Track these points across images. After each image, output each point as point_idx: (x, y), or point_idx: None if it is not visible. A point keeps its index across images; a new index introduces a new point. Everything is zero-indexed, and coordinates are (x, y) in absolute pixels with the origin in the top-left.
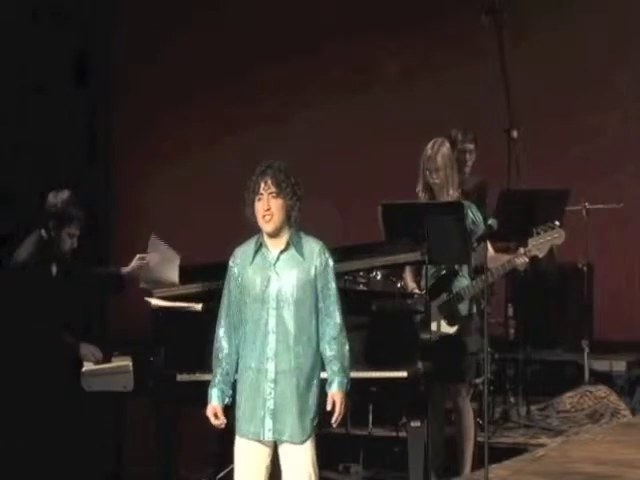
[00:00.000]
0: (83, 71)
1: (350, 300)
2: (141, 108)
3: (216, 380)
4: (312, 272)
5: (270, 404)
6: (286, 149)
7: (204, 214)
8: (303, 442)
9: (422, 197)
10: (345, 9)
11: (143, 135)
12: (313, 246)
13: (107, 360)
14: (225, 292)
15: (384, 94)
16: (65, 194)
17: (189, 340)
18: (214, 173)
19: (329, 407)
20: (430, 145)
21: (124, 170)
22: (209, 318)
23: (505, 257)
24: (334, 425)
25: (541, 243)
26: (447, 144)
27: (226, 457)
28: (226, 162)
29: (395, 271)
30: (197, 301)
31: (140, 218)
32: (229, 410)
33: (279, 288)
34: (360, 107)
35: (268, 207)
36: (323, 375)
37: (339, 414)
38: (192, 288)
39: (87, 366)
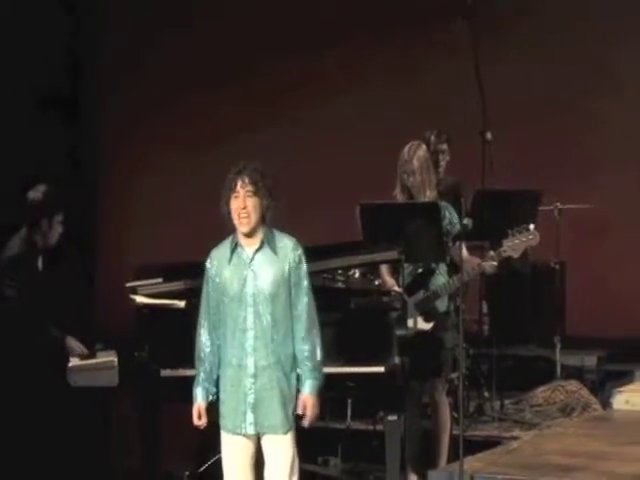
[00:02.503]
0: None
1: (329, 297)
2: (128, 110)
3: (200, 379)
4: (286, 269)
5: (251, 399)
6: (270, 152)
7: (189, 215)
8: (285, 433)
9: (400, 198)
10: (320, 17)
11: (130, 137)
12: (287, 243)
13: (92, 356)
14: (204, 293)
15: (363, 98)
16: (42, 186)
17: (172, 336)
18: (200, 174)
19: (300, 410)
20: (407, 148)
21: (110, 172)
22: (192, 315)
23: (476, 260)
24: (306, 426)
25: (516, 244)
26: (423, 147)
27: (208, 451)
28: (211, 164)
29: (373, 269)
30: (180, 298)
31: (126, 220)
32: (213, 406)
33: (255, 286)
34: (339, 111)
35: (244, 205)
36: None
37: (310, 417)
38: (175, 286)
39: (73, 361)
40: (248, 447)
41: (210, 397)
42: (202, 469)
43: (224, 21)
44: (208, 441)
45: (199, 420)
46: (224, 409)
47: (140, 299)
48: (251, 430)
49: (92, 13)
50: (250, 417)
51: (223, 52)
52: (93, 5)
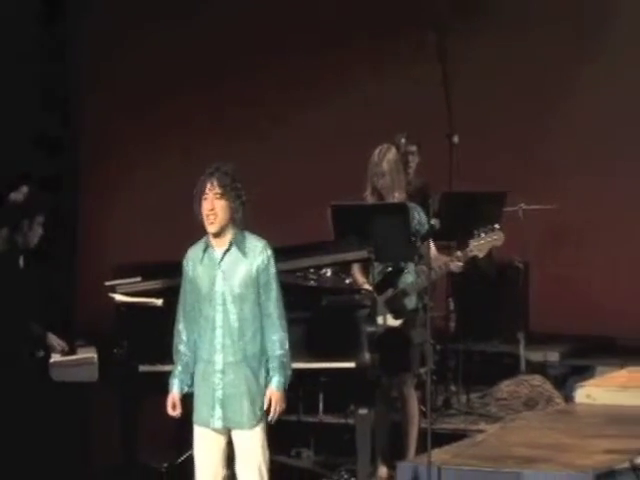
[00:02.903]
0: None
1: (302, 295)
2: (109, 110)
3: (176, 371)
4: (254, 269)
5: (219, 394)
6: (248, 155)
7: (168, 215)
8: (252, 428)
9: (370, 200)
10: (299, 24)
11: (111, 138)
12: (256, 244)
13: (73, 352)
14: (182, 291)
15: (335, 105)
16: (25, 188)
17: (150, 333)
18: (180, 176)
19: (265, 405)
20: (377, 151)
21: (91, 174)
22: (169, 312)
23: (443, 258)
24: (271, 421)
25: (482, 244)
26: (393, 150)
27: (186, 444)
28: (191, 166)
29: (344, 268)
30: (158, 296)
31: (107, 220)
32: (188, 400)
33: (224, 286)
34: (314, 117)
35: (212, 207)
36: None
37: (274, 412)
38: (153, 284)
39: (54, 357)
40: (218, 440)
41: (185, 389)
42: (179, 461)
43: (206, 24)
44: (186, 435)
45: (173, 410)
46: (195, 403)
47: (119, 297)
48: (219, 424)
49: (75, 16)
50: (218, 412)
51: (205, 55)
52: (71, 14)
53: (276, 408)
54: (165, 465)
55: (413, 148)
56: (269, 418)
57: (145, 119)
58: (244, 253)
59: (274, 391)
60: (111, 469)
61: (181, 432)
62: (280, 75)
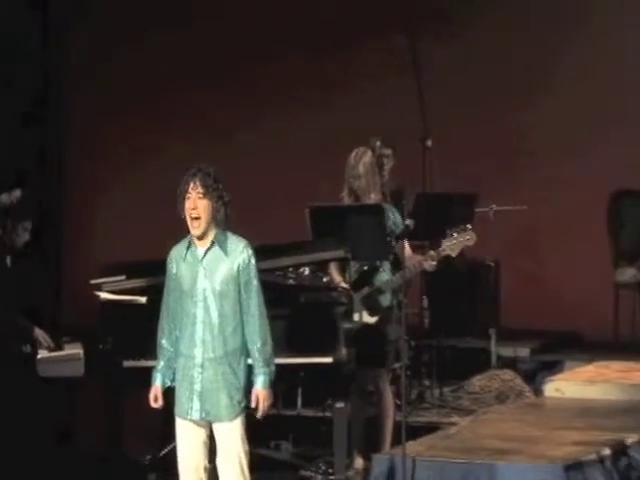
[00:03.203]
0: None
1: (281, 293)
2: (94, 111)
3: (159, 366)
4: (235, 268)
5: (197, 387)
6: (228, 157)
7: (152, 215)
8: (231, 421)
9: (347, 201)
10: (271, 32)
11: (96, 142)
12: (237, 244)
13: (59, 348)
14: (165, 288)
15: (313, 109)
16: (17, 192)
17: (134, 330)
18: (161, 178)
19: (253, 404)
20: (353, 154)
21: (76, 175)
22: (152, 310)
23: (417, 257)
24: (259, 417)
25: (454, 244)
26: (369, 153)
27: (169, 436)
28: (173, 168)
29: (322, 267)
30: (141, 294)
31: (92, 220)
32: (171, 394)
33: (206, 283)
34: (293, 121)
35: (194, 206)
36: (250, 361)
37: (263, 410)
38: (137, 283)
39: (42, 353)
40: (199, 432)
41: (167, 383)
42: (163, 453)
43: (189, 29)
44: (169, 427)
45: (155, 402)
46: (177, 396)
47: (104, 295)
48: (197, 416)
49: (60, 22)
50: (197, 404)
51: (188, 58)
52: (61, 16)
53: (264, 406)
54: (148, 457)
55: (388, 151)
56: (258, 415)
57: (129, 120)
58: (226, 252)
59: (260, 390)
60: (96, 461)
61: (164, 426)
62: (260, 80)
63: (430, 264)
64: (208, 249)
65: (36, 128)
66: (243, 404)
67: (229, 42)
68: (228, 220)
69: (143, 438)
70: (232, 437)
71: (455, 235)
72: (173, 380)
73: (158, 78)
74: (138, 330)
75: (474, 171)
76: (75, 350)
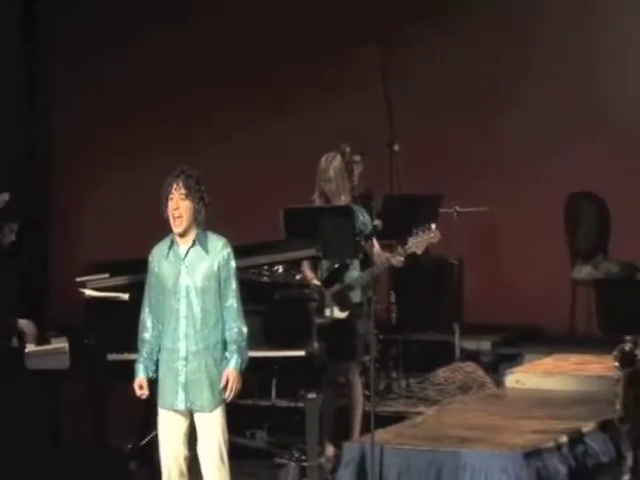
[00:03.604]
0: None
1: (256, 290)
2: (83, 114)
3: (141, 358)
4: (216, 265)
5: (182, 379)
6: (206, 161)
7: (135, 216)
8: (212, 411)
9: (318, 203)
10: (249, 39)
11: (82, 146)
12: (217, 243)
13: (46, 342)
14: (147, 284)
15: (287, 116)
16: (5, 195)
17: (117, 325)
18: (149, 179)
19: (223, 384)
20: (324, 159)
21: (62, 177)
22: (134, 306)
23: (385, 255)
24: (227, 400)
25: (419, 242)
26: (338, 158)
27: (149, 426)
28: (155, 172)
29: (295, 265)
30: (124, 291)
31: (78, 220)
32: (154, 385)
33: (188, 279)
34: (268, 127)
35: (177, 207)
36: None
37: (231, 390)
38: (120, 280)
39: (29, 347)
40: (181, 422)
41: (150, 374)
42: (143, 443)
43: (175, 35)
44: (149, 418)
45: (140, 390)
46: (160, 388)
47: (89, 292)
48: (182, 406)
49: (46, 27)
50: (181, 395)
51: (174, 64)
52: (47, 20)
53: (233, 386)
54: (129, 446)
55: (357, 157)
56: (225, 396)
57: (115, 123)
58: (206, 250)
59: (231, 370)
60: (80, 450)
61: (145, 416)
62: (241, 87)
63: (398, 259)
64: (190, 248)
65: (23, 129)
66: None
67: (215, 47)
68: (208, 220)
69: (124, 428)
70: (213, 427)
71: (420, 233)
72: (154, 372)
73: (146, 80)
74: (121, 325)
75: (439, 174)
76: (61, 344)
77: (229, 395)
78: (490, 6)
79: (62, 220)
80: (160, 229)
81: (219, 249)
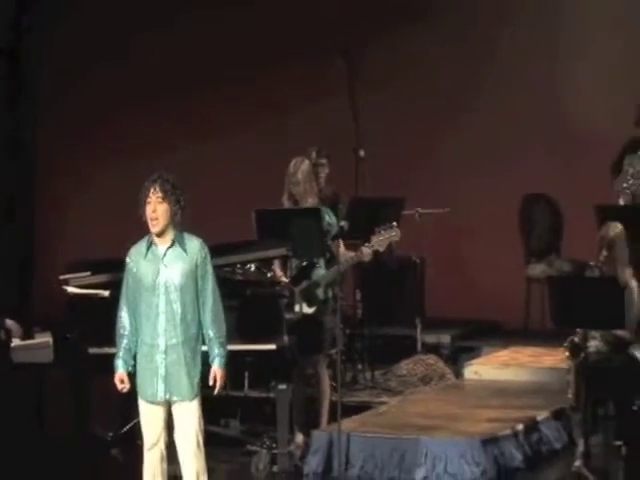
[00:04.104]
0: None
1: (229, 287)
2: (67, 117)
3: (120, 353)
4: (193, 263)
5: (162, 371)
6: (186, 166)
7: (115, 217)
8: (190, 400)
9: (287, 205)
10: (216, 54)
11: (63, 156)
12: (194, 243)
13: (31, 336)
14: (124, 283)
15: (259, 124)
16: None
17: (98, 320)
18: (126, 185)
19: (211, 382)
20: (292, 163)
21: (47, 184)
22: (114, 302)
23: (350, 254)
24: (216, 394)
25: (382, 240)
26: (306, 162)
27: (129, 416)
28: (135, 175)
29: (266, 264)
30: (105, 289)
31: (61, 221)
32: (132, 377)
33: (167, 277)
34: (243, 133)
35: (154, 210)
36: (204, 348)
37: (220, 386)
38: (101, 278)
39: (15, 342)
40: (161, 412)
41: (129, 368)
42: (124, 430)
43: (155, 47)
44: (128, 408)
45: (121, 384)
46: (140, 380)
47: (71, 289)
48: (162, 397)
49: (36, 26)
50: (161, 387)
51: (147, 76)
52: (35, 26)
53: (220, 382)
54: (110, 434)
55: (323, 160)
56: (215, 392)
57: (95, 132)
58: (185, 250)
59: (217, 368)
60: (63, 438)
61: (125, 405)
62: (216, 95)
63: (367, 253)
64: (169, 248)
65: (7, 130)
66: (200, 385)
67: (195, 55)
68: (185, 221)
69: (106, 417)
70: (190, 416)
71: (382, 232)
72: (133, 366)
73: (132, 83)
74: (101, 321)
75: (402, 178)
76: (45, 338)
77: (219, 390)
78: (450, 19)
79: (46, 220)
80: (139, 230)
81: (197, 249)
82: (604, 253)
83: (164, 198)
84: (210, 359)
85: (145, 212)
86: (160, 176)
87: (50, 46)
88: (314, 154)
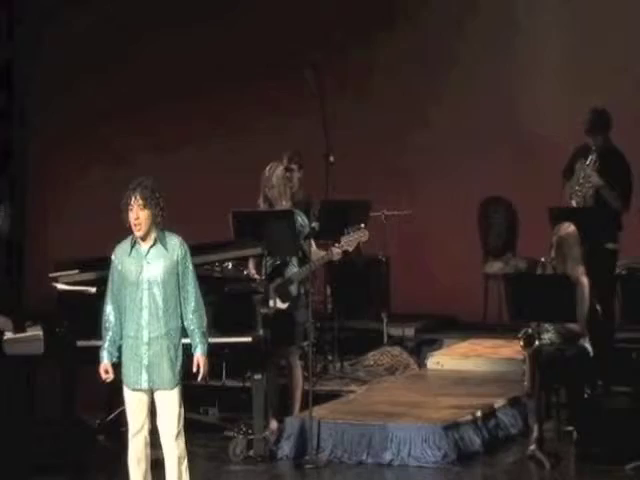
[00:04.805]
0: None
1: (208, 284)
2: (59, 121)
3: (105, 345)
4: (174, 260)
5: (145, 361)
6: (170, 169)
7: (103, 219)
8: (172, 388)
9: (262, 207)
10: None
11: (52, 164)
12: (175, 241)
13: (23, 330)
14: (109, 279)
15: (237, 132)
16: None
17: (86, 315)
18: (113, 188)
19: (195, 369)
20: (267, 168)
21: (39, 183)
22: (101, 298)
23: (321, 253)
24: (200, 380)
25: (350, 240)
26: (280, 167)
27: (115, 404)
28: (122, 180)
29: (242, 262)
30: (92, 285)
31: (52, 222)
32: (117, 368)
33: (150, 273)
34: (223, 141)
35: (137, 216)
36: (186, 341)
37: (203, 373)
38: (88, 276)
39: (8, 335)
40: (144, 399)
41: (113, 359)
42: (110, 418)
43: (136, 61)
44: (115, 396)
45: (106, 374)
46: (125, 370)
47: (61, 286)
48: (145, 385)
49: (29, 29)
50: (145, 376)
51: (134, 85)
52: (28, 35)
53: (204, 370)
54: (97, 422)
55: (294, 166)
56: (199, 378)
57: (82, 141)
58: (166, 248)
59: (200, 356)
60: (53, 425)
61: (111, 395)
62: (196, 106)
63: (337, 253)
64: (151, 246)
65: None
66: (181, 375)
67: (170, 68)
68: (164, 221)
69: (93, 405)
70: (171, 403)
71: (351, 233)
72: (117, 357)
73: (119, 92)
74: (89, 315)
75: (369, 182)
76: (36, 332)
77: (202, 377)
78: (411, 33)
79: (37, 224)
80: (124, 230)
81: (177, 246)
82: (557, 251)
83: (145, 205)
84: (192, 348)
85: (128, 218)
86: (139, 183)
87: (42, 50)
88: (286, 159)
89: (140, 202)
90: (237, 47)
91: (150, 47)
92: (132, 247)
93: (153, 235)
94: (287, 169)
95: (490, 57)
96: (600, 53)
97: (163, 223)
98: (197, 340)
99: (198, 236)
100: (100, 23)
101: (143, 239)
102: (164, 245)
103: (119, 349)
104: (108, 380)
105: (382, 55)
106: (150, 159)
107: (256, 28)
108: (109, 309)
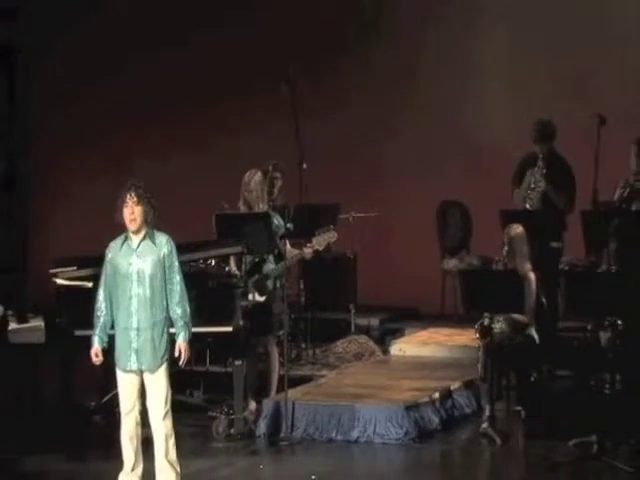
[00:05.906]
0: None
1: (193, 279)
2: (59, 130)
3: (96, 331)
4: (161, 255)
5: (134, 346)
6: (160, 174)
7: (98, 219)
8: (157, 370)
9: (242, 209)
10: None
11: (55, 173)
12: (162, 238)
13: (25, 321)
14: (103, 272)
15: (221, 141)
16: None
17: (83, 307)
18: (107, 191)
19: (177, 354)
20: (247, 174)
21: (41, 186)
22: (97, 293)
23: (295, 252)
24: (182, 366)
25: (321, 240)
26: (259, 173)
27: (109, 388)
28: (118, 184)
29: (224, 259)
30: (89, 281)
31: (52, 222)
32: (110, 354)
33: (139, 266)
34: (207, 151)
35: (132, 212)
36: (172, 330)
37: (185, 358)
38: (85, 272)
39: (12, 325)
40: (135, 381)
41: (104, 344)
42: (105, 400)
43: (132, 76)
44: (109, 381)
45: (96, 358)
46: (117, 354)
47: (60, 281)
48: (134, 367)
49: (26, 62)
50: (134, 358)
51: (129, 100)
52: (27, 56)
53: (184, 354)
54: (93, 403)
55: (277, 174)
56: (180, 363)
57: (82, 152)
58: (154, 243)
59: (181, 342)
60: (52, 407)
61: (106, 380)
62: (182, 118)
63: (309, 252)
64: (141, 241)
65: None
66: (166, 359)
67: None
68: (154, 221)
69: (89, 389)
70: (159, 384)
71: (322, 234)
72: (107, 342)
73: (106, 118)
74: (86, 307)
75: (338, 187)
76: (38, 322)
77: (183, 362)
78: (374, 53)
79: (39, 221)
80: (118, 230)
81: (164, 243)
82: (507, 249)
83: (139, 202)
84: (176, 336)
85: (123, 214)
86: (133, 184)
87: (41, 67)
88: (271, 168)
89: (134, 199)
90: (220, 66)
91: (148, 58)
92: (124, 243)
93: (144, 231)
94: (272, 177)
95: (448, 72)
96: (542, 68)
97: (154, 222)
98: (180, 329)
99: (184, 236)
100: (100, 37)
101: (134, 234)
102: (153, 241)
103: (109, 336)
104: (98, 362)
105: (346, 74)
106: (146, 164)
107: (236, 49)
108: (101, 298)
